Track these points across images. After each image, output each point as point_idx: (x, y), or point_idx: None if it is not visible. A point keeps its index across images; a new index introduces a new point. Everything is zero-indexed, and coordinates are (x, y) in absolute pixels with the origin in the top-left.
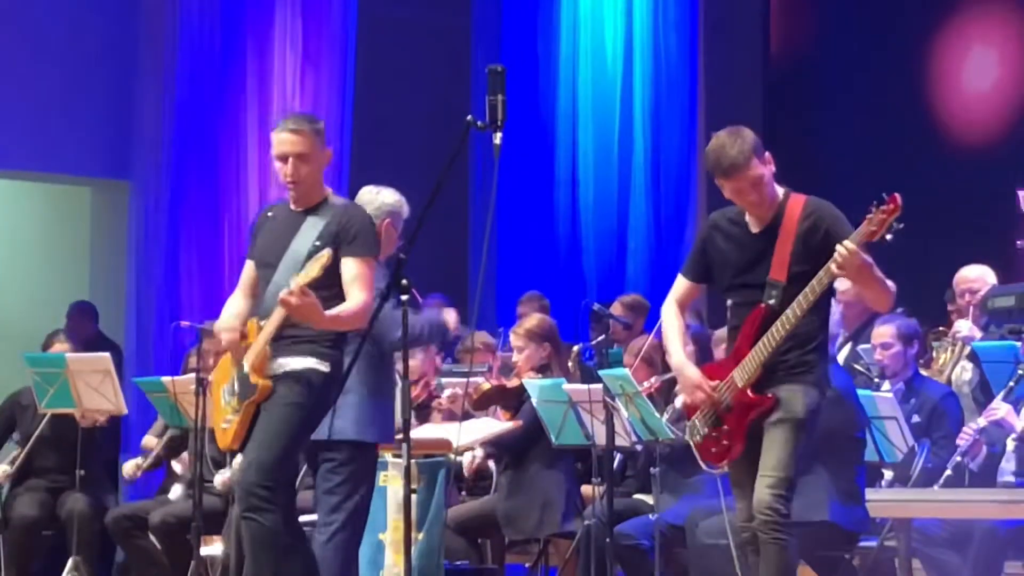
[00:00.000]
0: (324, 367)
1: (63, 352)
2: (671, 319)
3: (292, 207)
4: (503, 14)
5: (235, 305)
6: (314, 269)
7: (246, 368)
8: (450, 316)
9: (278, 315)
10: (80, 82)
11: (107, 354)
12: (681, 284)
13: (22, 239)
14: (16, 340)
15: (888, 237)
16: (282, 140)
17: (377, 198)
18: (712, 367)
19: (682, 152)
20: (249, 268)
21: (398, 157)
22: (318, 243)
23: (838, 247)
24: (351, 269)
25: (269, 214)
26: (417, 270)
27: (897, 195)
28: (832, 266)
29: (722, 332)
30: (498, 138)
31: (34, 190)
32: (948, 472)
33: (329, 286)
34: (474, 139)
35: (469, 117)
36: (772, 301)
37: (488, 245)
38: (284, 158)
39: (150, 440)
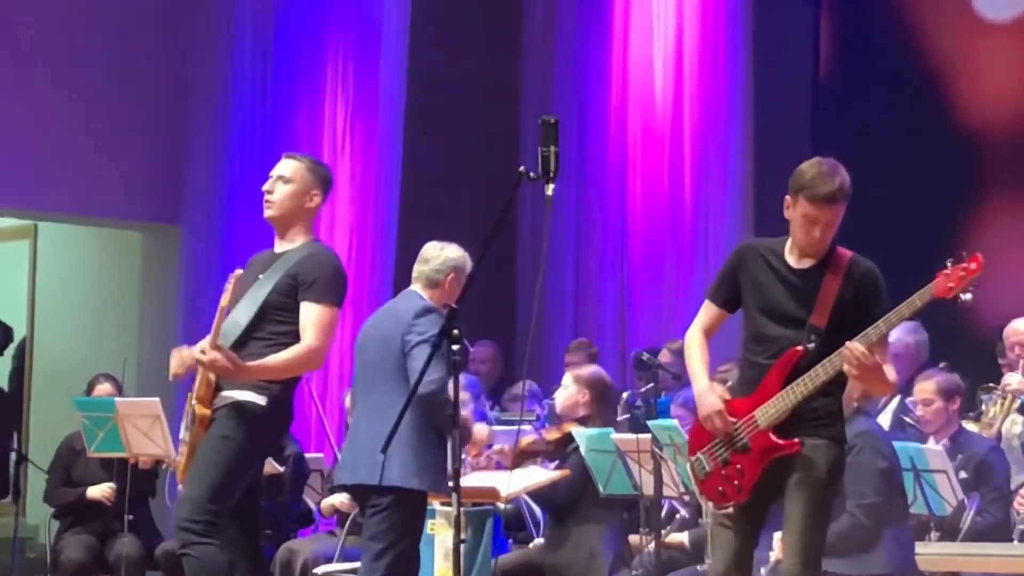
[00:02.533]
0: (261, 400)
1: (109, 395)
2: (695, 346)
3: (275, 249)
4: (553, 63)
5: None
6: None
7: (193, 399)
8: (480, 429)
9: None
10: (131, 127)
11: (157, 399)
12: (708, 310)
13: (73, 283)
14: (66, 384)
15: (964, 297)
16: (277, 166)
17: (442, 253)
18: (734, 403)
19: (731, 201)
20: None
21: (448, 206)
22: (270, 289)
23: (849, 347)
24: (305, 314)
25: (252, 258)
26: (466, 318)
27: (979, 255)
28: (842, 363)
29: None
30: (550, 189)
31: (85, 234)
32: (1015, 540)
33: (289, 324)
34: (523, 187)
35: (522, 168)
36: (811, 346)
37: (540, 293)
38: (270, 179)
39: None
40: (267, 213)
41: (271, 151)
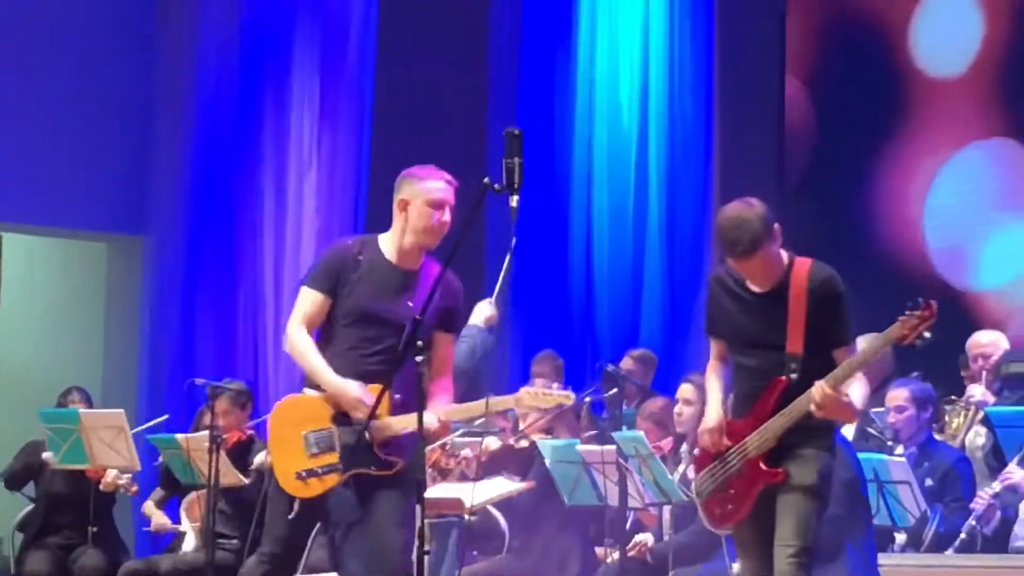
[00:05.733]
0: None
1: (76, 408)
2: (711, 380)
3: (394, 261)
4: (520, 74)
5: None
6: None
7: (373, 439)
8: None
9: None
10: (96, 138)
11: (121, 411)
12: (714, 344)
13: (38, 293)
14: (31, 395)
15: (918, 343)
16: (445, 188)
17: None
18: (733, 425)
19: (697, 212)
20: (321, 304)
21: None
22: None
23: (816, 388)
24: (449, 351)
25: (360, 257)
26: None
27: (933, 303)
28: (812, 406)
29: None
30: (515, 201)
31: (50, 245)
32: (963, 536)
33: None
34: (489, 198)
35: (486, 180)
36: (794, 376)
37: (504, 303)
38: (442, 205)
39: (150, 507)
40: (426, 246)
41: (236, 162)
